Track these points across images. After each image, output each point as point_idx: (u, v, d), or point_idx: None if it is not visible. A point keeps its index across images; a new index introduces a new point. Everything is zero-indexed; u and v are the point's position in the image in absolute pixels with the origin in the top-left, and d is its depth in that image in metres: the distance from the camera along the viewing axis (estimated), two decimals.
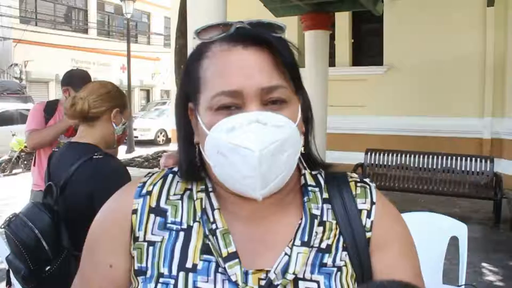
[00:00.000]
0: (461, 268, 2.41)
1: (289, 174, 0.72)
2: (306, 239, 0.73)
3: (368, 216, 0.78)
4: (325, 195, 0.80)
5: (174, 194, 0.79)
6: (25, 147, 9.11)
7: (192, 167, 0.78)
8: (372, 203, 0.80)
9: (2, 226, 1.42)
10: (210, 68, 0.72)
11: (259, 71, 0.69)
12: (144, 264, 0.74)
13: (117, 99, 1.82)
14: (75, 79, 2.88)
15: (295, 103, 0.74)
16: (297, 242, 0.73)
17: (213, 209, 0.75)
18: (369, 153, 6.85)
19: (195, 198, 0.77)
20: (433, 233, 2.55)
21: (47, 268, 1.39)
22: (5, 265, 1.57)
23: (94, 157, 1.64)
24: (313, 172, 0.83)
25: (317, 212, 0.76)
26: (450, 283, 2.67)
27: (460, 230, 2.52)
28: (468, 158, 6.32)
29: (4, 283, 1.60)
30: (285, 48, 0.73)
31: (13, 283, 1.63)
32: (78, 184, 1.61)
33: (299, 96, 0.77)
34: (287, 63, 0.71)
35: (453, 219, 2.64)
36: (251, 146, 0.66)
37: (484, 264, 4.44)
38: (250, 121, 0.67)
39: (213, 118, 0.70)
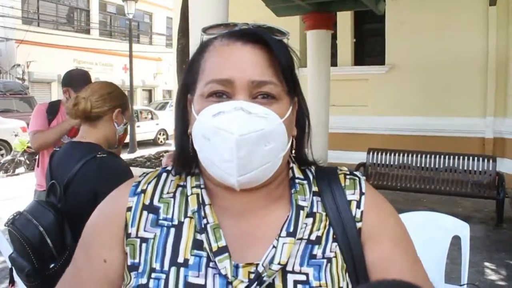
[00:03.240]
0: (463, 267, 2.41)
1: (271, 170, 0.73)
2: (291, 229, 0.74)
3: (358, 206, 0.79)
4: (315, 189, 0.81)
5: (168, 193, 0.81)
6: (28, 147, 9.14)
7: (184, 155, 0.80)
8: (362, 193, 0.81)
9: (7, 224, 1.43)
10: (209, 60, 0.76)
11: (253, 66, 0.73)
12: (137, 260, 0.76)
13: (118, 100, 1.84)
14: (75, 80, 2.88)
15: (285, 102, 0.76)
16: (283, 233, 0.74)
17: (204, 205, 0.76)
18: (371, 153, 6.84)
19: (189, 194, 0.78)
20: (435, 233, 2.55)
21: (51, 266, 1.40)
22: (8, 264, 1.58)
23: (98, 155, 1.65)
24: (302, 167, 0.84)
25: (304, 204, 0.77)
26: (452, 282, 2.67)
27: (463, 229, 2.52)
28: (471, 158, 6.31)
29: (6, 282, 1.61)
30: (283, 50, 0.75)
31: (16, 282, 1.64)
32: (82, 182, 1.62)
33: (293, 100, 0.79)
34: (282, 63, 0.74)
35: (455, 219, 2.64)
36: (231, 129, 0.68)
37: (486, 264, 4.43)
38: (236, 108, 0.69)
39: (203, 105, 0.74)
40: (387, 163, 6.74)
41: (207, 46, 0.78)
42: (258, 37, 0.74)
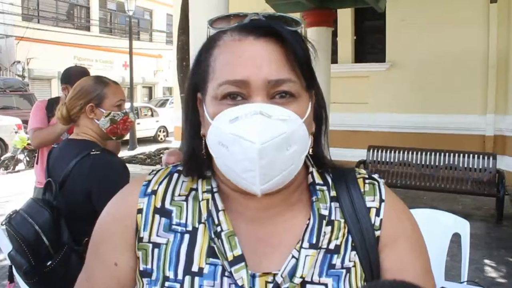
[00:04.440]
0: (463, 264, 2.41)
1: (294, 172, 0.69)
2: (314, 241, 0.71)
3: (377, 214, 0.76)
4: (333, 193, 0.77)
5: (179, 195, 0.77)
6: (28, 144, 9.14)
7: (195, 159, 0.76)
8: (381, 200, 0.77)
9: (3, 223, 1.43)
10: (220, 57, 0.70)
11: (268, 62, 0.67)
12: (149, 266, 0.73)
13: (87, 95, 1.77)
14: (74, 77, 2.87)
15: (304, 99, 0.71)
16: (305, 244, 0.70)
17: (217, 211, 0.72)
18: (371, 150, 6.83)
19: (200, 199, 0.75)
20: (436, 230, 2.55)
21: (48, 263, 1.40)
22: (7, 262, 1.58)
23: (92, 153, 1.64)
24: (320, 170, 0.80)
25: (326, 212, 0.74)
26: (452, 279, 2.67)
27: (463, 226, 2.52)
28: (471, 155, 6.30)
29: (4, 281, 1.61)
30: (299, 42, 0.70)
31: (16, 279, 1.63)
32: (76, 180, 1.61)
33: (311, 94, 0.74)
34: (299, 57, 0.69)
35: (455, 216, 2.64)
36: (252, 138, 0.63)
37: (486, 261, 4.43)
38: (254, 112, 0.64)
39: (217, 108, 0.68)
40: (387, 160, 6.73)
41: (216, 41, 0.72)
42: (271, 29, 0.68)
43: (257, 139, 0.63)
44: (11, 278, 1.60)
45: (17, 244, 1.40)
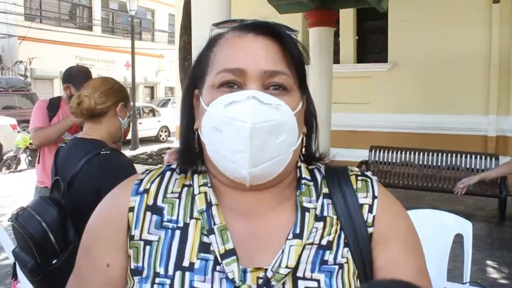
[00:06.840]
0: (466, 265, 2.40)
1: (284, 162, 0.71)
2: (298, 231, 0.71)
3: (370, 211, 0.76)
4: (325, 190, 0.78)
5: (172, 192, 0.78)
6: (30, 144, 9.16)
7: (190, 152, 0.78)
8: (374, 197, 0.78)
9: (10, 220, 1.43)
10: (220, 52, 0.74)
11: (265, 57, 0.71)
12: (140, 264, 0.73)
13: (120, 94, 1.85)
14: (76, 76, 2.89)
15: (296, 95, 0.74)
16: (290, 235, 0.71)
17: (211, 205, 0.74)
18: (373, 151, 6.84)
19: (196, 193, 0.75)
20: (438, 231, 2.55)
21: (54, 262, 1.40)
22: (10, 261, 1.58)
23: (102, 152, 1.65)
24: (311, 167, 0.82)
25: (310, 205, 0.75)
26: (455, 280, 2.66)
27: (465, 227, 2.51)
28: (473, 156, 6.30)
29: (6, 281, 1.61)
30: (295, 44, 0.74)
31: (19, 277, 1.64)
32: (85, 179, 1.62)
33: (302, 96, 0.77)
34: (294, 56, 0.73)
35: (457, 217, 2.64)
36: (245, 118, 0.66)
37: (488, 262, 4.43)
38: (248, 98, 0.68)
39: (213, 95, 0.72)
40: (389, 160, 6.74)
41: (217, 40, 0.76)
42: (270, 29, 0.73)
43: (249, 119, 0.66)
44: (15, 276, 1.60)
45: (23, 241, 1.40)
